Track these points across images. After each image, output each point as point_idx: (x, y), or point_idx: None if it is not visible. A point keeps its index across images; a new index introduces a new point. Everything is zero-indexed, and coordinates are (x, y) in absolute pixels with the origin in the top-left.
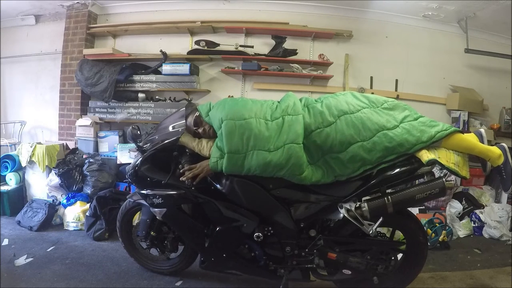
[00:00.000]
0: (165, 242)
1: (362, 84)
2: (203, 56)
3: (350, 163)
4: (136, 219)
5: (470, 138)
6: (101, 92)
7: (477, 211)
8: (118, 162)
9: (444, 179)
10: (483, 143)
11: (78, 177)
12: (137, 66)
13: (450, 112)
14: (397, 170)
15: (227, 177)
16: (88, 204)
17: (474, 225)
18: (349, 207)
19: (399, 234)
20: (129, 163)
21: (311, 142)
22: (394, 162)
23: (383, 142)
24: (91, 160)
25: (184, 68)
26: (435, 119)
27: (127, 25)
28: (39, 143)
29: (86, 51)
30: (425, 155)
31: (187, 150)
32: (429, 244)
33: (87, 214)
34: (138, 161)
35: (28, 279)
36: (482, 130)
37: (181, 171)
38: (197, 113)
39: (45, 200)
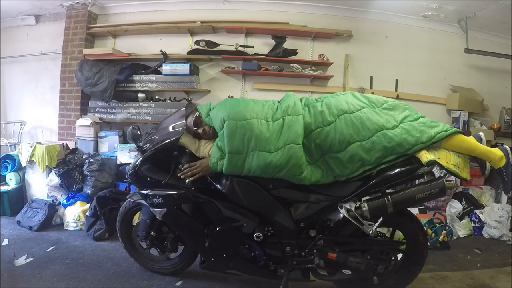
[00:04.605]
0: (165, 242)
1: (362, 84)
2: (203, 56)
3: (349, 163)
4: (136, 219)
5: (471, 139)
6: (101, 92)
7: (477, 211)
8: (118, 162)
9: (444, 179)
10: None
11: (78, 177)
12: (137, 66)
13: (450, 112)
14: (397, 170)
15: (227, 177)
16: (88, 204)
17: (474, 225)
18: (349, 207)
19: (399, 234)
20: (129, 163)
21: (311, 141)
22: (394, 162)
23: (382, 142)
24: (91, 160)
25: (184, 68)
26: (435, 119)
27: (127, 25)
28: (39, 143)
29: (86, 51)
30: (425, 156)
31: (187, 150)
32: (429, 244)
33: (87, 214)
34: (138, 161)
35: (28, 279)
36: (481, 133)
37: (181, 168)
38: (197, 114)
39: (45, 200)
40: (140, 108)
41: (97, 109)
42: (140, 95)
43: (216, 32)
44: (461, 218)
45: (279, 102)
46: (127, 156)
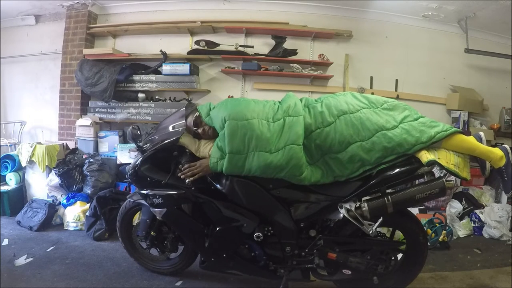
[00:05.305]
0: (165, 242)
1: (362, 84)
2: (203, 56)
3: (349, 163)
4: (136, 219)
5: (471, 139)
6: (101, 92)
7: (477, 211)
8: (118, 162)
9: (444, 179)
10: None
11: (78, 177)
12: (137, 66)
13: (450, 112)
14: (397, 170)
15: (227, 177)
16: (88, 204)
17: (474, 225)
18: (349, 207)
19: (399, 234)
20: (129, 163)
21: (311, 142)
22: (394, 162)
23: (382, 142)
24: (91, 160)
25: (184, 68)
26: (435, 119)
27: (127, 25)
28: (39, 143)
29: (86, 51)
30: (425, 156)
31: (187, 150)
32: (429, 244)
33: (87, 214)
34: (138, 161)
35: (28, 279)
36: (481, 133)
37: (181, 168)
38: (197, 114)
39: (45, 200)
40: (140, 108)
41: (97, 109)
42: (140, 95)
43: (216, 32)
44: (461, 218)
45: (279, 102)
46: (127, 156)
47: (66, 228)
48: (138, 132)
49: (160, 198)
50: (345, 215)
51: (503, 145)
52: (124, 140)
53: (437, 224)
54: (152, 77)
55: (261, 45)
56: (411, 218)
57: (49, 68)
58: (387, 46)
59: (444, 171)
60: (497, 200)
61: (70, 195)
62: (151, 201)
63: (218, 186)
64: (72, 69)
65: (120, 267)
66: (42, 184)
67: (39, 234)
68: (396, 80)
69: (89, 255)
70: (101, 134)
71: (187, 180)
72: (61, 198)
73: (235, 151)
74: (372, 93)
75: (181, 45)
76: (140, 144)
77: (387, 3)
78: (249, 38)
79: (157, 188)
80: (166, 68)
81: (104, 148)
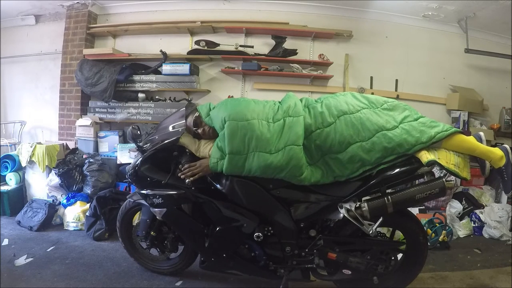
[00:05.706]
0: (165, 242)
1: (362, 84)
2: (203, 56)
3: (349, 164)
4: (136, 219)
5: (471, 139)
6: (101, 92)
7: (477, 211)
8: (118, 162)
9: (444, 179)
10: None
11: (78, 177)
12: (137, 66)
13: (450, 112)
14: (397, 170)
15: (227, 177)
16: (88, 204)
17: (474, 225)
18: (349, 207)
19: (399, 234)
20: (129, 163)
21: (311, 142)
22: (394, 162)
23: (382, 143)
24: (91, 160)
25: (184, 68)
26: (435, 119)
27: (127, 25)
28: (39, 143)
29: (86, 51)
30: (425, 156)
31: (187, 150)
32: (429, 244)
33: (87, 214)
34: (138, 161)
35: (28, 279)
36: (481, 133)
37: (181, 168)
38: (197, 114)
39: (45, 200)
40: (140, 108)
41: (97, 109)
42: (140, 95)
43: (216, 32)
44: (461, 218)
45: (279, 102)
46: (127, 156)
47: (66, 228)
48: (138, 132)
49: (160, 198)
50: (345, 215)
51: (503, 145)
52: (124, 140)
53: (437, 224)
54: (152, 77)
55: (261, 45)
56: (411, 218)
57: (49, 68)
58: (387, 46)
59: (444, 171)
60: (497, 200)
61: (70, 195)
62: (151, 201)
63: (218, 186)
64: (72, 69)
65: (120, 267)
66: (42, 184)
67: (39, 234)
68: (396, 80)
69: (89, 255)
70: (101, 134)
71: (187, 180)
72: (61, 198)
73: (235, 151)
74: (372, 93)
75: (181, 45)
76: (140, 144)
77: (387, 3)
78: (249, 38)
79: (157, 188)
80: (166, 68)
81: (104, 148)
